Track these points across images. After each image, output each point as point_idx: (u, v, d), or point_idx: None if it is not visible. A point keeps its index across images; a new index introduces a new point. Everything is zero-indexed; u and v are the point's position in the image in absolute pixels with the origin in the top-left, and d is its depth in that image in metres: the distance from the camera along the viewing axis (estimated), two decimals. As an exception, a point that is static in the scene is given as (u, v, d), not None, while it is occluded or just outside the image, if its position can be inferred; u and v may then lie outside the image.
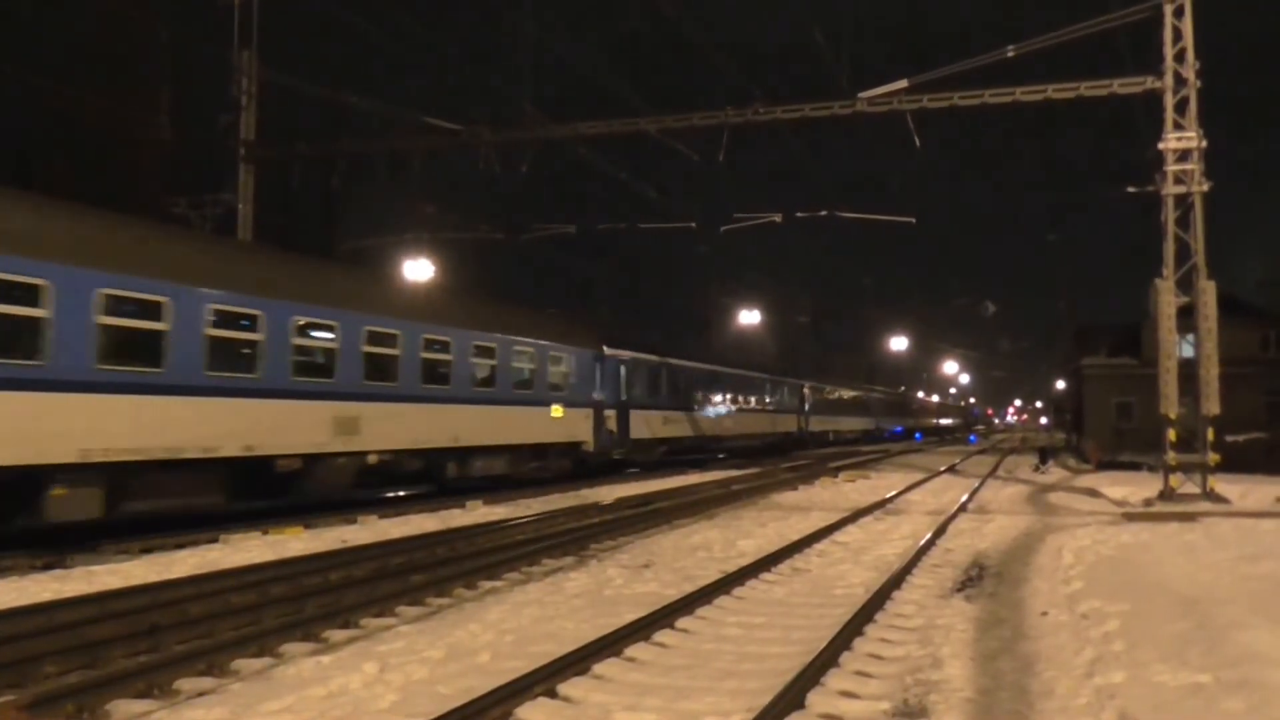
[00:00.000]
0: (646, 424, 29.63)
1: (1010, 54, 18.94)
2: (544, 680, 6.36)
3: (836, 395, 58.52)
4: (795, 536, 13.83)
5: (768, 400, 43.48)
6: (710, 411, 36.08)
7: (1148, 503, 18.58)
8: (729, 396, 38.05)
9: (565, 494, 21.26)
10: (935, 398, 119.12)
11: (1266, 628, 7.47)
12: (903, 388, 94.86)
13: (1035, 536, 14.43)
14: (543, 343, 22.91)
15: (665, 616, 8.33)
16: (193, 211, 20.74)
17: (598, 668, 6.90)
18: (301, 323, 15.50)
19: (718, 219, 29.10)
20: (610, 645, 7.32)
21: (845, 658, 7.19)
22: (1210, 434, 18.48)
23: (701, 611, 8.88)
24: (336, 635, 8.19)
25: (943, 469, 33.03)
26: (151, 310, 13.04)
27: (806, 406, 49.90)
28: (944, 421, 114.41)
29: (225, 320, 14.19)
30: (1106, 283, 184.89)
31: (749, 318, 63.68)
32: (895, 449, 55.20)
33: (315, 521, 15.35)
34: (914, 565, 11.42)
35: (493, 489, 20.70)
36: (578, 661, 6.82)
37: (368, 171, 25.95)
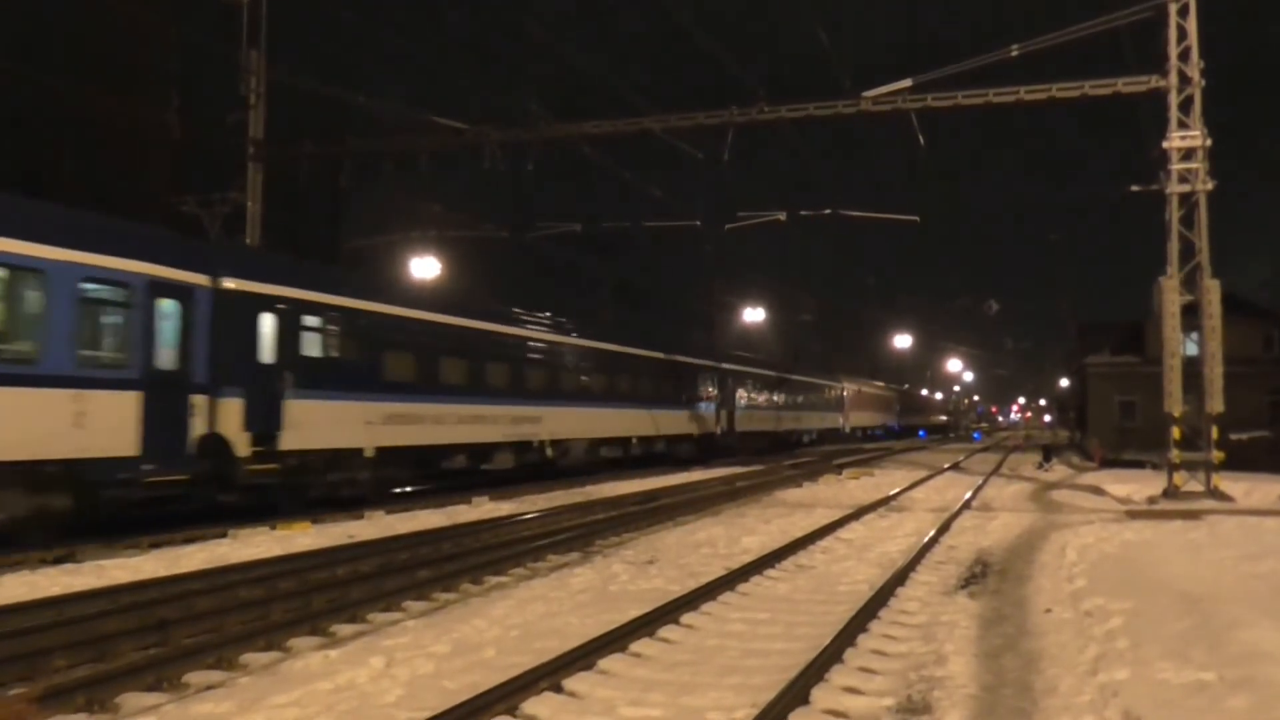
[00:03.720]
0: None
1: (1014, 53, 18.94)
2: (549, 675, 6.40)
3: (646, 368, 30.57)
4: (799, 533, 13.87)
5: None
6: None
7: (1151, 500, 18.59)
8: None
9: (570, 491, 21.35)
10: (905, 387, 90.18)
11: (1270, 626, 7.48)
12: (905, 385, 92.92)
13: (1039, 534, 14.44)
14: None
15: (670, 612, 8.37)
16: (201, 210, 20.76)
17: (603, 663, 6.95)
18: None
19: (722, 218, 29.14)
20: (615, 640, 7.36)
21: (849, 654, 7.22)
22: (1215, 432, 18.49)
23: (706, 607, 8.92)
24: (343, 630, 8.25)
25: (946, 466, 33.04)
26: None
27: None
28: (919, 422, 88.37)
29: None
30: (1110, 281, 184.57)
31: (753, 315, 63.28)
32: (898, 446, 55.20)
33: (323, 517, 15.43)
34: (918, 562, 11.45)
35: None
36: (583, 657, 6.87)
37: (375, 170, 26.00)
